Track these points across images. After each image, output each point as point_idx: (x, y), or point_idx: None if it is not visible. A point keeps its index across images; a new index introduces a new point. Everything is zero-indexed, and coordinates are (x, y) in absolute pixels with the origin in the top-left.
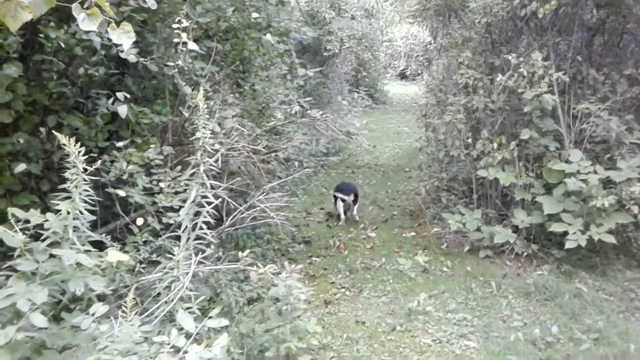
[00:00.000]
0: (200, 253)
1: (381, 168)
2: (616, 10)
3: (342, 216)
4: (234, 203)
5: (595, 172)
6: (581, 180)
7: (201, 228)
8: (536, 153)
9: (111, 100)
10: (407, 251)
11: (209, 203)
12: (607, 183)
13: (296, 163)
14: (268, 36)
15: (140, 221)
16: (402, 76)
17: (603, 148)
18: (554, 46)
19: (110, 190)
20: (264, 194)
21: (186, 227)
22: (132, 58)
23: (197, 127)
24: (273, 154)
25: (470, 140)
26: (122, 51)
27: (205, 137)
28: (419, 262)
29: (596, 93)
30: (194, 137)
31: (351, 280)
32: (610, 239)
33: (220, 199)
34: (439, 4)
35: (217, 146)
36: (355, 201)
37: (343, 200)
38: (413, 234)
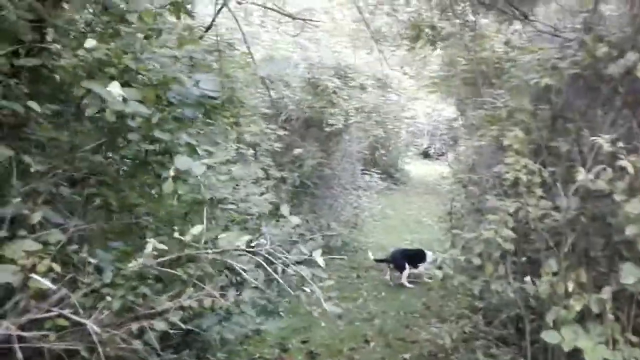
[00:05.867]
0: None
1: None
2: None
3: (387, 277)
4: None
5: None
6: None
7: None
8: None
9: None
10: None
11: None
12: None
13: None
14: (115, 85)
15: None
16: (425, 155)
17: None
18: None
19: None
20: None
21: None
22: None
23: None
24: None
25: (518, 269)
26: None
27: None
28: None
29: None
30: None
31: None
32: None
33: None
34: (468, 69)
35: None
36: (397, 269)
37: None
38: None
